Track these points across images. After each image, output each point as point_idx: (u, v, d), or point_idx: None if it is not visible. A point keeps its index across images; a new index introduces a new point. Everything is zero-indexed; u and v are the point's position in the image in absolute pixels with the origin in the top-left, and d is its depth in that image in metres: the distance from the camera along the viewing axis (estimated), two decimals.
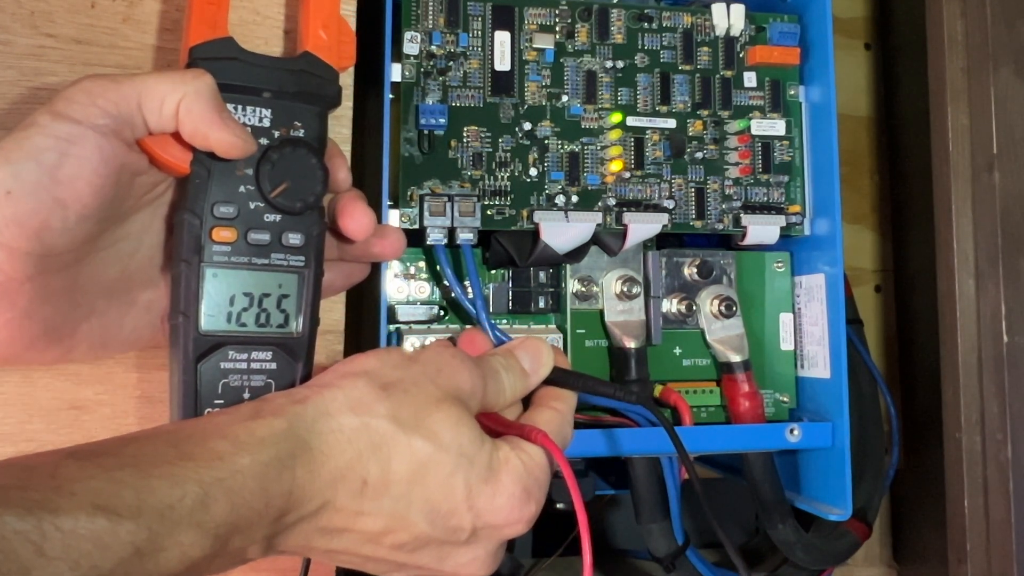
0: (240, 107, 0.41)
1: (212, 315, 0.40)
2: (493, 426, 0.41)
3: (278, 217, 0.41)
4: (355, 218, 0.43)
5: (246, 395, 0.41)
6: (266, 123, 0.41)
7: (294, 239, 0.42)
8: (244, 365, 0.41)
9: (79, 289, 0.38)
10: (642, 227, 0.55)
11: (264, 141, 0.41)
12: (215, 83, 0.39)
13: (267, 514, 0.33)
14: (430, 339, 0.52)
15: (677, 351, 0.58)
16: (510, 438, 0.40)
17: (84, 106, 0.36)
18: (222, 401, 0.40)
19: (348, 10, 0.49)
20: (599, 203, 0.55)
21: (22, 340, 0.37)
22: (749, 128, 0.57)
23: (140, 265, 0.42)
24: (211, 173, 0.40)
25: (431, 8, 0.53)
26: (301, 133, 0.42)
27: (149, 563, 0.29)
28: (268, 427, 0.34)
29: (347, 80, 0.48)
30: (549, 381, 0.44)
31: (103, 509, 0.28)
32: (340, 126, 0.49)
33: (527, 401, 0.45)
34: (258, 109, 0.41)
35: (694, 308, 0.57)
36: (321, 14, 0.44)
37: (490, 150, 0.53)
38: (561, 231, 0.53)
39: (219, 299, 0.40)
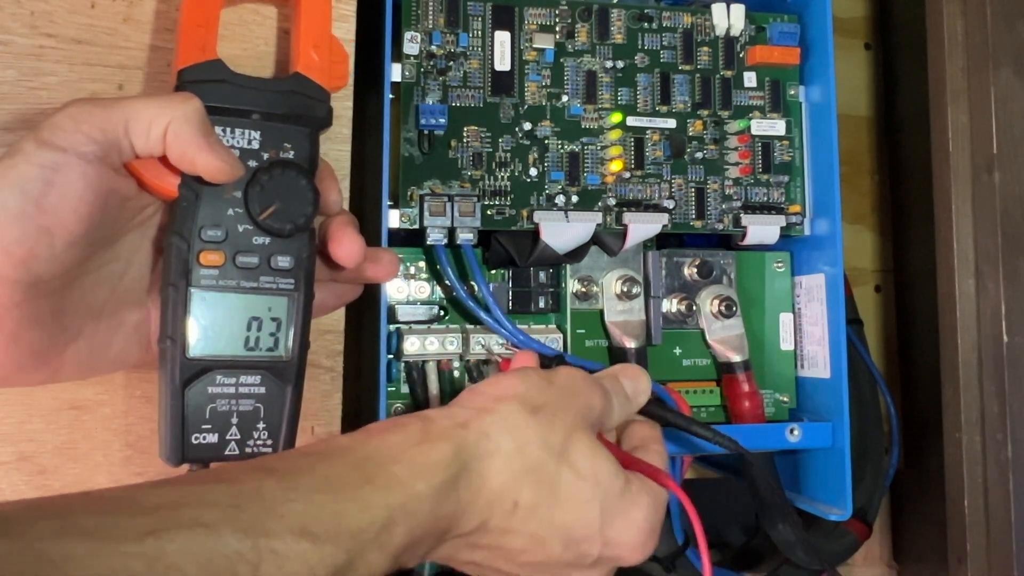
0: (229, 129, 0.41)
1: (199, 339, 0.40)
2: (617, 457, 0.41)
3: (267, 240, 0.41)
4: (344, 244, 0.42)
5: (234, 420, 0.40)
6: (255, 145, 0.41)
7: (283, 262, 0.41)
8: (232, 390, 0.40)
9: (67, 312, 0.38)
10: (642, 227, 0.55)
11: (253, 163, 0.41)
12: (203, 107, 0.38)
13: (434, 533, 0.35)
14: (430, 339, 0.52)
15: (677, 351, 0.58)
16: (637, 474, 0.41)
17: (69, 133, 0.36)
18: (209, 426, 0.40)
19: (348, 10, 0.49)
20: (599, 203, 0.55)
21: (9, 364, 0.37)
22: (749, 128, 0.57)
23: (129, 287, 0.41)
24: (199, 196, 0.40)
25: (431, 8, 0.53)
26: (291, 155, 0.42)
27: None
28: (439, 452, 0.35)
29: (347, 80, 0.48)
30: (643, 411, 0.44)
31: (307, 533, 0.30)
32: (340, 126, 0.49)
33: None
34: (247, 131, 0.41)
35: (694, 308, 0.57)
36: (312, 34, 0.44)
37: (490, 150, 0.53)
38: (561, 231, 0.53)
39: (207, 323, 0.40)
